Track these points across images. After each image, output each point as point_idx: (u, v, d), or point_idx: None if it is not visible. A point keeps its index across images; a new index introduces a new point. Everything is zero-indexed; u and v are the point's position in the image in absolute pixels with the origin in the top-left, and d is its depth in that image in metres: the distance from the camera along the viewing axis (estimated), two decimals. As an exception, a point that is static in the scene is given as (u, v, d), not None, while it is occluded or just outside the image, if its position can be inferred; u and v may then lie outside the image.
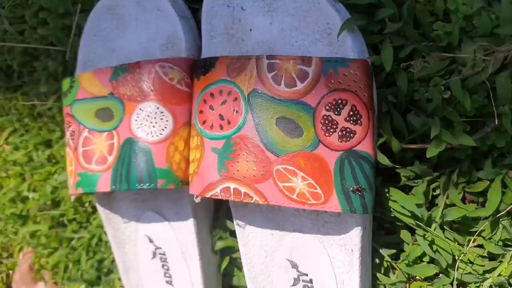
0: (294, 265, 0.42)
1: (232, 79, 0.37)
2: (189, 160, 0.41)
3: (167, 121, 0.41)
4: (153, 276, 0.52)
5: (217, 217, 0.50)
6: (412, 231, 0.41)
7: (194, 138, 0.39)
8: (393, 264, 0.42)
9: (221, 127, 0.37)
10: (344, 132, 0.34)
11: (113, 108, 0.42)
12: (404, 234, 0.42)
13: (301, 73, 0.35)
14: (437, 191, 0.40)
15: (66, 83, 0.45)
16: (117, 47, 0.47)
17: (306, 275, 0.42)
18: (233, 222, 0.48)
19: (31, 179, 0.63)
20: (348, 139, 0.34)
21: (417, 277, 0.43)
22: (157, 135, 0.40)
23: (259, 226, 0.43)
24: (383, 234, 0.43)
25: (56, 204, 0.60)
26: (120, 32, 0.46)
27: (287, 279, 0.43)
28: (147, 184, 0.40)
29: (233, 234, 0.49)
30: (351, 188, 0.34)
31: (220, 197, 0.36)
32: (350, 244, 0.39)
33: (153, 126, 0.41)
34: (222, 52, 0.42)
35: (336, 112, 0.34)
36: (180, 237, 0.48)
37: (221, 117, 0.37)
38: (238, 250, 0.50)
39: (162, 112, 0.41)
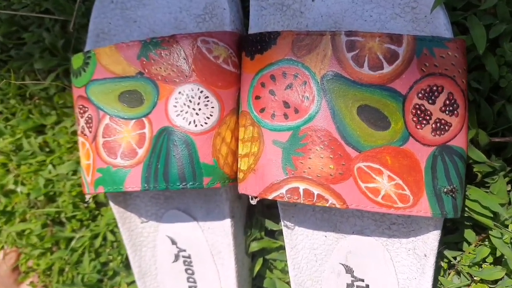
0: (349, 270, 0.38)
1: (300, 59, 0.31)
2: (236, 154, 0.35)
3: (212, 107, 0.34)
4: (174, 281, 0.46)
5: (249, 214, 0.45)
6: (477, 231, 0.38)
7: (247, 129, 0.33)
8: (457, 266, 0.39)
9: (286, 116, 0.31)
10: (438, 124, 0.29)
11: (143, 90, 0.35)
12: (468, 234, 0.38)
13: (389, 53, 0.29)
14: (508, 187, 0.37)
15: (78, 59, 0.38)
16: (140, 17, 0.39)
17: (363, 280, 0.38)
18: (270, 220, 0.43)
19: (18, 171, 0.54)
20: (442, 132, 0.29)
21: (476, 278, 0.40)
22: (201, 124, 0.34)
23: (311, 228, 0.38)
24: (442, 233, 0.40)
25: (50, 199, 0.52)
26: (144, -2, 0.39)
27: (339, 285, 0.39)
28: (191, 183, 0.33)
29: (269, 234, 0.44)
30: (444, 189, 0.29)
31: (285, 199, 0.31)
32: (422, 248, 0.34)
33: (196, 114, 0.34)
34: (274, 27, 0.36)
35: (430, 101, 0.29)
36: (212, 238, 0.42)
37: (286, 104, 0.31)
38: (272, 251, 0.46)
39: (206, 97, 0.34)
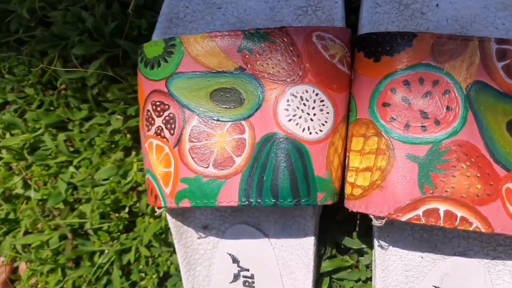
0: (442, 293, 0.35)
1: (441, 65, 0.28)
2: (344, 166, 0.31)
3: (327, 113, 0.30)
4: (227, 304, 0.40)
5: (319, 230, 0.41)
6: None
7: (368, 139, 0.29)
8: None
9: (424, 128, 0.28)
10: None
11: (243, 89, 0.30)
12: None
13: (545, 66, 0.27)
14: None
15: (155, 47, 0.31)
16: (227, 3, 0.34)
17: (455, 304, 0.35)
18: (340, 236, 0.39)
19: (27, 172, 0.46)
20: None
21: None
22: (316, 132, 0.30)
23: (407, 248, 0.35)
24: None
25: (70, 207, 0.45)
26: (235, -18, 0.33)
27: (427, 309, 0.36)
28: (305, 199, 0.29)
29: (342, 251, 0.40)
30: None
31: (422, 222, 0.28)
32: (532, 272, 0.33)
33: (311, 119, 0.30)
34: (388, 26, 0.32)
35: None
36: (284, 257, 0.38)
37: (423, 114, 0.28)
38: (341, 270, 0.42)
39: (322, 101, 0.30)
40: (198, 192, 0.30)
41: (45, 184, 0.47)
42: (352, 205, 0.30)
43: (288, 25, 0.32)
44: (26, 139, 0.43)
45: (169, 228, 0.43)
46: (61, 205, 0.45)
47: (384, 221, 0.28)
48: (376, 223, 0.29)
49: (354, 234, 0.40)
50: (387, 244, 0.35)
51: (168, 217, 0.37)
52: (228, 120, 0.30)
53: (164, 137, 0.31)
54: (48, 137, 0.43)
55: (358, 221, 0.41)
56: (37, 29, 0.44)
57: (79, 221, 0.44)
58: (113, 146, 0.42)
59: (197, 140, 0.30)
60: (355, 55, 0.31)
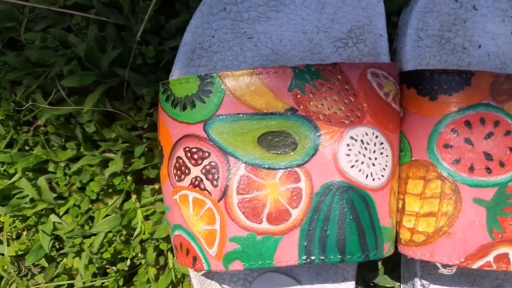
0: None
1: (500, 105, 0.27)
2: (400, 209, 0.29)
3: (387, 156, 0.28)
4: None
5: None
6: None
7: (430, 183, 0.28)
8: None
9: (489, 170, 0.27)
10: None
11: (295, 132, 0.27)
12: None
13: None
14: None
15: (187, 83, 0.27)
16: (259, 33, 0.30)
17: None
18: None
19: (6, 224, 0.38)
20: None
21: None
22: (378, 178, 0.27)
23: (446, 284, 0.34)
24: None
25: (55, 264, 0.38)
26: (270, 9, 0.30)
27: None
28: (373, 253, 0.26)
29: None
30: None
31: (493, 268, 0.26)
32: None
33: (373, 164, 0.27)
34: (430, 61, 0.31)
35: None
36: (317, 304, 0.35)
37: (488, 156, 0.27)
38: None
39: (381, 143, 0.27)
40: (252, 252, 0.26)
41: (17, 237, 0.39)
42: (413, 252, 0.28)
43: (334, 61, 0.30)
44: (-2, 187, 0.36)
45: (181, 281, 0.38)
46: (43, 262, 0.38)
47: (454, 269, 0.27)
48: (444, 271, 0.27)
49: (381, 270, 0.38)
50: (428, 283, 0.34)
51: (191, 271, 0.33)
52: (279, 167, 0.27)
53: (205, 190, 0.27)
54: (26, 183, 0.35)
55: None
56: (2, 53, 0.36)
57: (70, 282, 0.37)
58: (110, 191, 0.36)
59: (246, 192, 0.27)
60: (403, 92, 0.30)
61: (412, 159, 0.29)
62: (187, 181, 0.28)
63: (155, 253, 0.37)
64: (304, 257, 0.26)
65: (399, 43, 0.31)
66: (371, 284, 0.39)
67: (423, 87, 0.29)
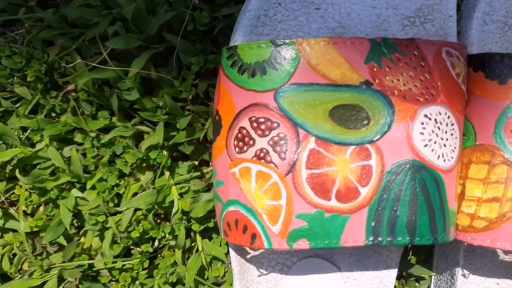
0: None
1: None
2: (459, 194, 0.29)
3: (456, 137, 0.27)
4: None
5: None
6: None
7: (495, 167, 0.27)
8: None
9: (557, 157, 0.27)
10: None
11: (368, 107, 0.25)
12: None
13: None
14: None
15: (260, 48, 0.25)
16: (328, 4, 0.29)
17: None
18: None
19: (16, 197, 0.35)
20: None
21: None
22: (448, 159, 0.26)
23: (484, 275, 0.34)
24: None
25: (75, 243, 0.35)
26: (339, -20, 0.29)
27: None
28: (442, 236, 0.26)
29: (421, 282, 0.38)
30: None
31: (558, 256, 0.26)
32: None
33: (444, 145, 0.26)
34: (491, 47, 0.31)
35: None
36: (356, 292, 0.34)
37: (556, 143, 0.27)
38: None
39: (452, 124, 0.27)
40: (320, 230, 0.25)
41: (31, 213, 0.36)
42: (471, 238, 0.28)
43: (399, 37, 0.29)
44: (20, 154, 0.33)
45: (210, 265, 0.36)
46: (61, 240, 0.35)
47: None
48: (505, 257, 0.27)
49: (413, 260, 0.38)
50: (468, 273, 0.34)
51: (232, 254, 0.31)
52: (350, 143, 0.25)
53: (271, 162, 0.25)
54: (54, 152, 0.32)
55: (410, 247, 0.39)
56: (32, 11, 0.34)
57: (91, 262, 0.34)
58: (144, 165, 0.34)
59: (315, 167, 0.25)
60: (469, 75, 0.29)
61: (476, 143, 0.28)
62: (250, 152, 0.26)
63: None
64: (371, 238, 0.25)
65: (463, 26, 0.31)
66: (404, 274, 0.38)
67: (491, 70, 0.28)
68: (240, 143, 0.26)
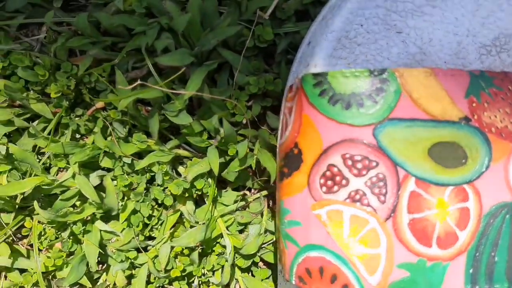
0: None
1: None
2: None
3: (541, 176, 0.26)
4: None
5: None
6: None
7: None
8: None
9: None
10: None
11: (466, 145, 0.24)
12: None
13: None
14: None
15: (356, 78, 0.22)
16: (410, 28, 0.26)
17: None
18: None
19: (39, 232, 0.29)
20: None
21: None
22: (539, 199, 0.25)
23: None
24: None
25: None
26: (427, 3, 0.26)
27: None
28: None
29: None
30: None
31: None
32: None
33: (537, 185, 0.25)
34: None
35: None
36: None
37: None
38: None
39: (540, 163, 0.26)
40: (422, 281, 0.23)
41: (45, 249, 0.31)
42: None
43: (476, 68, 0.27)
44: (40, 183, 0.27)
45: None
46: (85, 281, 0.30)
47: None
48: None
49: None
50: None
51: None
52: (447, 183, 0.23)
53: (369, 205, 0.23)
54: (84, 182, 0.27)
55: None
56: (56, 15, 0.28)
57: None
58: (186, 195, 0.30)
59: (416, 211, 0.23)
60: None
61: (554, 180, 0.28)
62: (343, 194, 0.23)
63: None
64: (470, 286, 0.24)
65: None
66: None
67: None
68: (329, 182, 0.23)
